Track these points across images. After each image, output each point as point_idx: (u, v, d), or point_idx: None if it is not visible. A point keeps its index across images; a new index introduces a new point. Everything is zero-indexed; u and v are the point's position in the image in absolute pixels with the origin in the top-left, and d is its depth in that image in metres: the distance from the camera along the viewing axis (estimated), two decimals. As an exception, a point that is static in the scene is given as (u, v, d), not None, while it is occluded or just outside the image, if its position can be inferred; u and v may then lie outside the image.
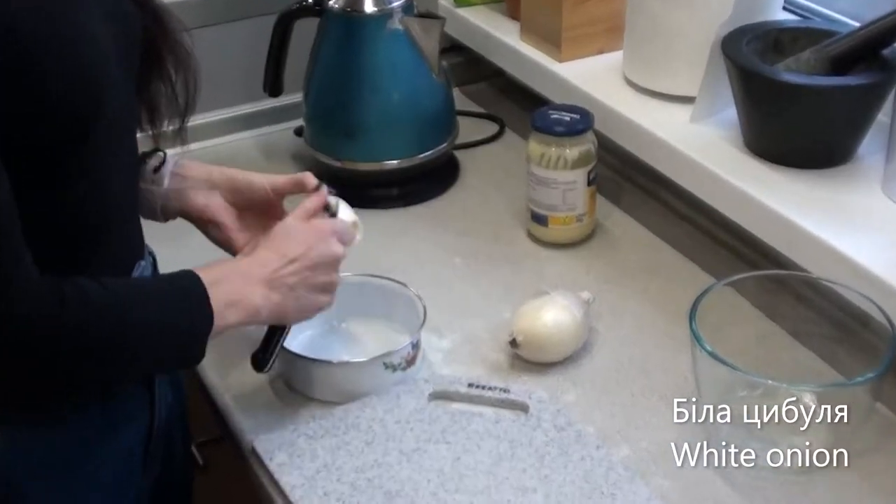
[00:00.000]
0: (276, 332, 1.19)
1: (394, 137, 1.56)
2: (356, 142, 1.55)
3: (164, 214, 1.22)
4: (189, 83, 1.14)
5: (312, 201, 1.19)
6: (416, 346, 1.26)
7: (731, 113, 1.39)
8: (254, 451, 1.19)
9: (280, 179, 1.23)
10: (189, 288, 1.06)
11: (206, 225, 1.23)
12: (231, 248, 1.22)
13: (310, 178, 1.22)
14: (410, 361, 1.25)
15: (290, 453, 1.17)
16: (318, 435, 1.19)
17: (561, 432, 1.18)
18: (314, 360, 1.24)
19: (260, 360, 1.19)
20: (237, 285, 1.09)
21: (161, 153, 1.21)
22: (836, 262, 1.21)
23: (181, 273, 1.07)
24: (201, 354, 1.06)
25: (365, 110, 1.55)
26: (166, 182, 1.21)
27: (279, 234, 1.15)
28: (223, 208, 1.22)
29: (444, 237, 1.52)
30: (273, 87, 1.61)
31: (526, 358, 1.29)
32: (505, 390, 1.23)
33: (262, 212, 1.23)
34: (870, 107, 1.30)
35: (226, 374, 1.29)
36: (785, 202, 1.28)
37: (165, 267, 1.15)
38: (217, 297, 1.06)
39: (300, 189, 1.22)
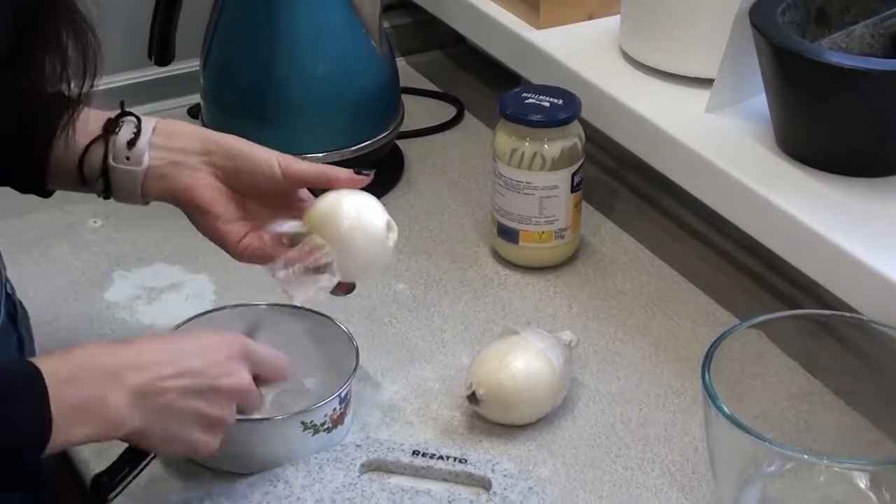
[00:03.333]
0: (135, 453, 1.14)
1: (319, 123, 1.56)
2: (270, 127, 1.55)
3: (145, 196, 1.22)
4: (88, 61, 1.10)
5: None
6: (345, 400, 1.24)
7: (759, 102, 1.40)
8: (126, 536, 1.18)
9: (297, 164, 1.22)
10: (21, 383, 1.01)
11: (192, 211, 1.21)
12: (223, 243, 1.21)
13: (342, 174, 1.20)
14: (337, 421, 1.24)
15: (175, 541, 1.16)
16: (213, 517, 1.19)
17: (534, 517, 1.18)
18: None
19: (102, 484, 1.12)
20: (96, 387, 1.05)
21: (133, 118, 1.19)
22: (897, 301, 1.21)
23: (16, 361, 1.05)
24: (25, 479, 1.04)
25: (281, 86, 1.55)
26: (146, 159, 1.19)
27: (172, 336, 1.14)
28: (212, 189, 1.20)
29: (383, 255, 1.51)
30: (160, 52, 1.60)
31: (489, 418, 1.29)
32: (461, 460, 1.23)
33: (272, 201, 1.21)
34: (943, 98, 1.31)
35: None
36: (829, 220, 1.28)
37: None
38: (64, 400, 1.02)
39: (326, 184, 1.20)
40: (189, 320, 1.29)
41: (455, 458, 1.23)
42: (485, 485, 1.21)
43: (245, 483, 1.21)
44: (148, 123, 1.21)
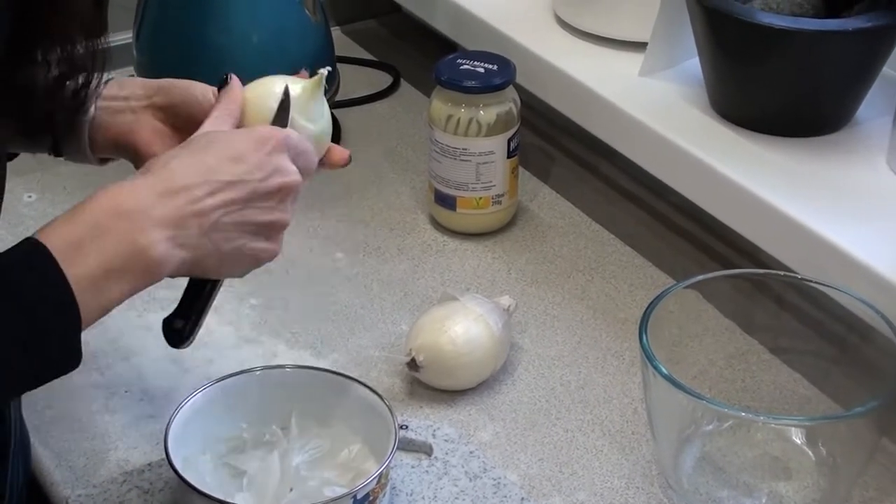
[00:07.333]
0: (200, 286, 1.08)
1: (254, 93, 1.54)
2: (204, 98, 1.53)
3: (94, 151, 1.15)
4: (97, 60, 1.06)
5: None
6: (382, 478, 1.11)
7: (693, 64, 1.41)
8: None
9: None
10: (25, 267, 0.94)
11: (133, 155, 1.14)
12: None
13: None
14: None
15: None
16: None
17: (475, 481, 1.18)
18: None
19: (176, 330, 1.07)
20: (119, 236, 0.96)
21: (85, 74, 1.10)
22: (830, 259, 1.21)
23: (16, 246, 0.95)
24: (75, 357, 0.95)
25: (216, 56, 1.54)
26: (92, 109, 1.13)
27: (197, 146, 1.04)
28: (152, 130, 1.14)
29: (322, 224, 1.52)
30: (93, 24, 1.58)
31: (429, 384, 1.29)
32: (402, 426, 1.22)
33: None
34: (873, 58, 1.31)
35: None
36: (762, 180, 1.29)
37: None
38: (84, 266, 0.94)
39: None
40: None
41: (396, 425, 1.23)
42: (426, 450, 1.21)
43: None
44: (102, 78, 1.12)
